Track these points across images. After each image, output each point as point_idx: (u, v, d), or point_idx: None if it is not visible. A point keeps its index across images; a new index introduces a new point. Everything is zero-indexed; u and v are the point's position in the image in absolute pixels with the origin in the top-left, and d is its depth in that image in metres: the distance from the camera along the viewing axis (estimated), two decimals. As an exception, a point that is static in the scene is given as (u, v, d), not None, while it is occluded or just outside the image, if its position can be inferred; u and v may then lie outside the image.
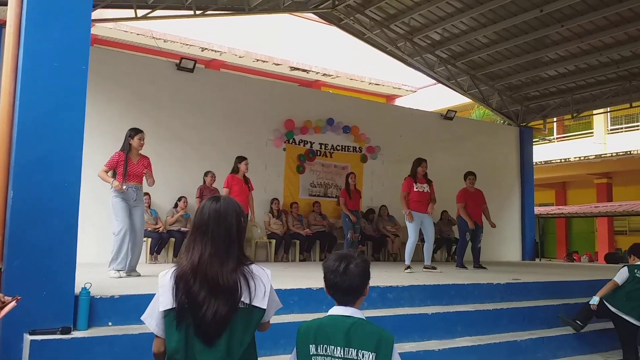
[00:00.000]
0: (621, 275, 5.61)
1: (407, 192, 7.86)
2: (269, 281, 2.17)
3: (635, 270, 5.56)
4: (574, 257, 18.80)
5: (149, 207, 9.04)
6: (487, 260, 11.56)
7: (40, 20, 3.83)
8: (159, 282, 2.13)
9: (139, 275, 5.95)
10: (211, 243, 2.11)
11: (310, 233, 10.45)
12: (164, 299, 2.07)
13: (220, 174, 8.90)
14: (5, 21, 3.99)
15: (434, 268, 7.75)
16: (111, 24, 13.13)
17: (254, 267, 2.17)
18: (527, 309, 5.77)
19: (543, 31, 10.83)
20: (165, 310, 2.06)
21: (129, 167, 6.01)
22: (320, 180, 11.38)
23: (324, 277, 2.24)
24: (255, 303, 2.09)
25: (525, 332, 5.45)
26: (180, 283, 2.06)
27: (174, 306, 2.04)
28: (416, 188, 7.84)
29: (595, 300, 5.55)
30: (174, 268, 2.13)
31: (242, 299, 2.07)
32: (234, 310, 2.04)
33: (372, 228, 11.36)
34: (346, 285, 2.18)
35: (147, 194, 8.88)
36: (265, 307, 2.11)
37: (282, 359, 2.92)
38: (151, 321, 2.11)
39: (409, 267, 7.62)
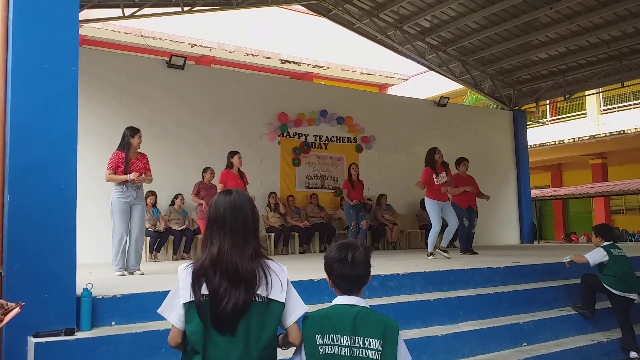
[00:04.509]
0: (595, 256, 5.65)
1: (426, 182, 7.91)
2: (286, 276, 2.18)
3: (612, 250, 5.64)
4: (572, 238, 18.86)
5: (154, 206, 9.04)
6: (486, 245, 11.64)
7: (28, 23, 3.79)
8: (179, 275, 2.15)
9: (142, 274, 5.99)
10: (229, 235, 2.14)
11: (309, 225, 10.47)
12: (184, 292, 2.09)
13: (215, 170, 8.89)
14: (-7, 25, 3.96)
15: (446, 252, 7.82)
16: (99, 24, 13.05)
17: (271, 262, 2.19)
18: (528, 291, 5.80)
19: (532, 14, 10.81)
20: (185, 303, 2.08)
21: (129, 166, 6.07)
22: (316, 172, 11.38)
23: (328, 268, 2.24)
24: (273, 296, 2.10)
25: (527, 315, 5.47)
26: (200, 277, 2.09)
27: (193, 299, 2.07)
28: (437, 180, 7.89)
29: (567, 257, 5.86)
30: (192, 263, 2.17)
31: (258, 292, 2.09)
32: (250, 300, 2.07)
33: (371, 217, 11.38)
34: (355, 274, 2.19)
35: (153, 192, 8.90)
36: (283, 300, 2.12)
37: (289, 350, 2.93)
38: (171, 314, 2.13)
39: (432, 254, 7.74)
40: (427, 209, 8.07)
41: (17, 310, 2.27)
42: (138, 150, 6.30)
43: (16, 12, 3.79)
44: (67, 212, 3.73)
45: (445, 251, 7.85)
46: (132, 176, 5.96)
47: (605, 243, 5.77)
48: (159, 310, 2.17)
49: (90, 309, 3.73)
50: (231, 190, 2.26)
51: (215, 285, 2.07)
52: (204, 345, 2.04)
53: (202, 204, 8.51)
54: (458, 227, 8.39)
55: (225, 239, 2.14)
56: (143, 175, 6.19)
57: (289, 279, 2.19)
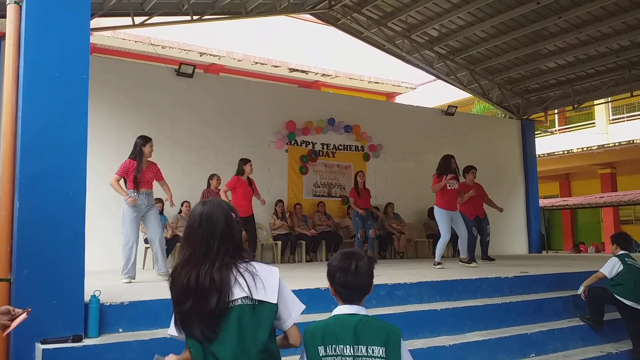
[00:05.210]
0: (610, 266, 5.56)
1: (440, 187, 7.94)
2: (276, 277, 2.15)
3: (626, 259, 5.55)
4: (581, 248, 18.76)
5: (161, 213, 9.06)
6: (494, 254, 11.51)
7: (39, 31, 3.84)
8: None
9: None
10: (192, 246, 2.14)
11: (316, 233, 10.46)
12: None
13: (223, 178, 8.91)
14: (5, 33, 4.01)
15: (469, 262, 7.88)
16: (109, 32, 13.14)
17: (258, 264, 2.17)
18: (536, 301, 5.76)
19: (540, 23, 10.81)
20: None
21: (139, 174, 6.10)
22: (323, 181, 11.39)
23: (331, 276, 2.24)
24: (261, 298, 2.08)
25: (535, 325, 5.43)
26: (172, 291, 2.14)
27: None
28: (449, 186, 7.90)
29: (580, 289, 5.62)
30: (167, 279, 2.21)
31: (241, 295, 2.07)
32: (219, 306, 2.04)
33: (378, 226, 11.35)
34: (357, 284, 2.18)
35: (160, 200, 8.94)
36: (274, 301, 2.10)
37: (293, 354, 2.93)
38: (178, 333, 2.13)
39: (439, 263, 7.72)
40: (436, 218, 8.03)
41: (24, 316, 2.29)
42: (149, 159, 6.35)
43: (28, 21, 3.83)
44: (77, 218, 3.75)
45: (469, 261, 7.87)
46: (130, 199, 5.97)
47: (620, 252, 5.69)
48: (169, 332, 2.17)
49: (97, 315, 3.74)
50: (206, 200, 2.26)
51: (182, 297, 2.08)
52: (203, 356, 2.04)
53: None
54: (468, 235, 8.37)
55: (187, 250, 2.15)
56: (171, 199, 6.37)
57: (281, 279, 2.17)
